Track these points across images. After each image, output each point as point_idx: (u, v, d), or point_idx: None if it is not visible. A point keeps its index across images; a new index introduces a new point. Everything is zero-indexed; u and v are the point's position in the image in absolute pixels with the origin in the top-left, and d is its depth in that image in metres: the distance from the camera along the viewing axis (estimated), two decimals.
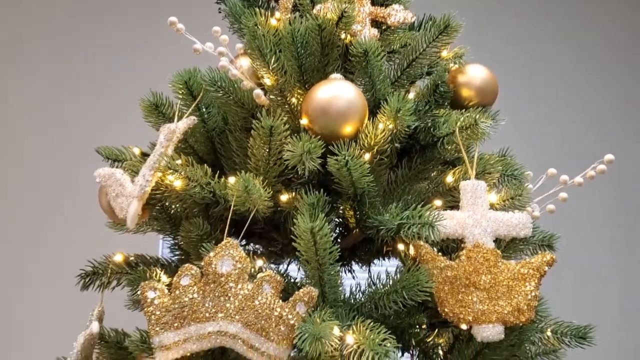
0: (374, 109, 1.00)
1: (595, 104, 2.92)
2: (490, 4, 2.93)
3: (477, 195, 0.94)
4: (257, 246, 1.17)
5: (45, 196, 2.57)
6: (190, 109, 1.01)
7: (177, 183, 0.94)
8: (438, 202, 0.98)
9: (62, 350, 1.13)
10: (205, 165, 0.97)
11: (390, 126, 0.96)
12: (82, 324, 1.03)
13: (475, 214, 0.92)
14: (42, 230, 2.54)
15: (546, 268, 0.91)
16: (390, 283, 0.89)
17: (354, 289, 0.95)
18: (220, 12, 1.20)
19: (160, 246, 2.31)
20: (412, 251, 0.96)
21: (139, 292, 0.87)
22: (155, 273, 0.96)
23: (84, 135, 2.56)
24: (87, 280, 1.12)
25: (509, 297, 0.89)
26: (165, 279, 0.98)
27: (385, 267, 0.99)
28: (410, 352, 1.03)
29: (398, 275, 0.90)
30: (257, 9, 1.03)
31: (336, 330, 0.79)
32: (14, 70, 2.69)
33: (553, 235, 1.14)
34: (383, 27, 1.14)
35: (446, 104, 1.10)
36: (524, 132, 2.63)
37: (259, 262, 0.94)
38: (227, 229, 0.89)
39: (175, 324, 0.84)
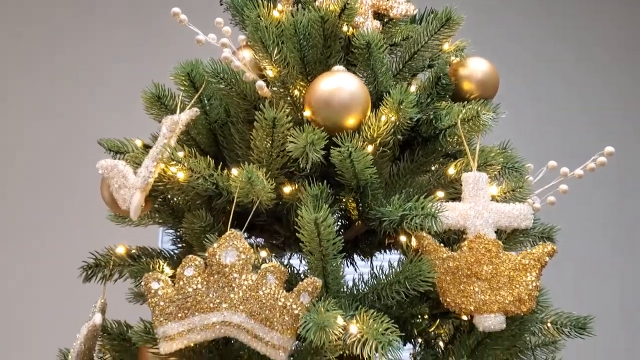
0: (376, 102, 1.00)
1: (595, 101, 2.93)
2: (491, 2, 2.93)
3: (479, 186, 0.94)
4: (258, 239, 1.17)
5: (45, 190, 2.57)
6: (193, 101, 1.01)
7: (180, 175, 0.94)
8: (440, 194, 0.99)
9: (65, 343, 1.14)
10: (208, 157, 0.97)
11: (393, 118, 0.96)
12: (83, 318, 1.03)
13: (477, 205, 0.93)
14: (42, 224, 2.53)
15: (547, 259, 0.91)
16: (393, 274, 0.90)
17: (357, 280, 0.95)
18: (222, 5, 1.20)
19: (160, 239, 2.32)
20: (414, 243, 0.97)
21: (142, 284, 0.87)
22: (158, 265, 0.96)
23: (84, 129, 2.56)
24: (89, 272, 1.12)
25: (510, 288, 0.90)
26: (168, 270, 0.98)
27: (388, 259, 0.99)
28: (412, 342, 1.04)
29: (401, 266, 0.90)
30: (259, 1, 1.03)
31: (340, 320, 0.79)
32: (13, 65, 2.68)
33: (553, 228, 1.15)
34: (385, 20, 1.15)
35: (448, 96, 1.10)
36: (524, 128, 2.64)
37: (263, 253, 0.94)
38: (230, 220, 0.90)
39: (180, 315, 0.85)
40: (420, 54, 1.10)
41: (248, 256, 0.86)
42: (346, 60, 1.08)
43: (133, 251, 1.13)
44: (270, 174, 0.96)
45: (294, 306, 0.83)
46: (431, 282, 0.88)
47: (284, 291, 0.85)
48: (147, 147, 1.07)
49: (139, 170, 0.94)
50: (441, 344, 1.07)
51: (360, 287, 0.94)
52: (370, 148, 0.96)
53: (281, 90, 1.02)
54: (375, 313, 0.83)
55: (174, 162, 0.93)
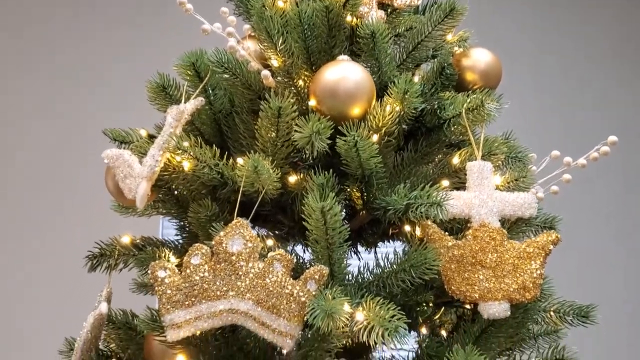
0: (380, 92, 1.01)
1: (599, 92, 2.94)
2: None
3: (484, 175, 0.95)
4: (262, 230, 1.18)
5: (45, 185, 2.57)
6: (198, 90, 1.02)
7: (186, 164, 0.95)
8: (445, 183, 0.99)
9: (71, 332, 1.14)
10: (214, 146, 0.97)
11: (397, 108, 0.97)
12: (84, 312, 1.04)
13: (482, 194, 0.94)
14: (43, 220, 2.54)
15: (551, 247, 0.92)
16: (398, 262, 0.90)
17: (362, 268, 0.96)
18: None
19: (161, 230, 2.33)
20: (418, 232, 0.98)
21: (149, 272, 0.87)
22: (164, 254, 0.97)
23: (84, 127, 2.56)
24: (94, 262, 1.12)
25: (514, 275, 0.91)
26: (173, 259, 0.98)
27: (394, 248, 1.00)
28: (417, 330, 1.05)
29: (406, 255, 0.91)
30: None
31: (347, 307, 0.80)
32: (13, 64, 2.68)
33: (555, 217, 1.16)
34: (389, 10, 1.15)
35: (451, 87, 1.11)
36: (527, 119, 2.65)
37: (270, 242, 0.95)
38: (236, 209, 0.90)
39: (187, 303, 0.85)
40: (424, 44, 1.10)
41: (255, 244, 0.87)
42: (350, 50, 1.08)
43: (137, 241, 1.13)
44: (276, 163, 0.97)
45: (301, 294, 0.84)
46: (436, 270, 0.88)
47: (291, 279, 0.85)
48: (151, 137, 1.08)
49: (144, 159, 0.94)
50: (443, 333, 1.08)
51: (365, 275, 0.95)
52: (375, 137, 0.96)
53: (286, 80, 1.02)
54: (381, 301, 0.83)
55: (180, 151, 0.93)
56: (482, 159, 0.98)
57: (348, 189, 1.04)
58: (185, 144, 0.94)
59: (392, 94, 0.96)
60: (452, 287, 0.91)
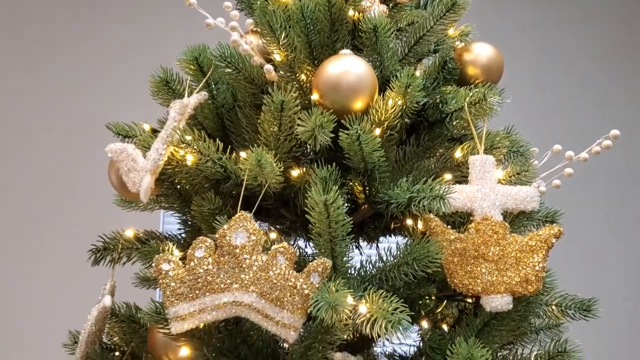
0: (382, 86, 1.01)
1: (600, 88, 2.94)
2: None
3: (486, 169, 0.95)
4: (264, 223, 1.18)
5: (45, 182, 2.57)
6: (201, 85, 1.02)
7: (189, 158, 0.95)
8: (448, 176, 0.99)
9: (74, 326, 1.15)
10: (217, 140, 0.97)
11: (400, 102, 0.97)
12: (90, 302, 1.05)
13: (484, 187, 0.94)
14: (46, 212, 2.54)
15: (554, 240, 0.93)
16: (401, 255, 0.91)
17: (364, 262, 0.96)
18: None
19: (162, 224, 2.33)
20: (420, 225, 0.98)
21: (153, 265, 0.88)
22: (168, 247, 0.97)
23: (83, 125, 2.56)
24: (98, 255, 1.13)
25: (517, 269, 0.91)
26: (177, 253, 0.99)
27: (396, 241, 1.00)
28: (419, 324, 1.05)
29: (408, 248, 0.91)
30: None
31: (350, 299, 0.80)
32: (15, 53, 2.68)
33: (557, 212, 1.16)
34: (391, 5, 1.15)
35: (453, 81, 1.11)
36: (529, 114, 2.65)
37: (273, 235, 0.95)
38: (240, 203, 0.90)
39: (191, 295, 0.86)
40: (426, 38, 1.10)
41: (258, 237, 0.87)
42: (353, 44, 1.08)
43: (140, 235, 1.13)
44: (278, 157, 0.97)
45: (304, 286, 0.84)
46: (439, 263, 0.89)
47: (294, 272, 0.86)
48: (155, 132, 1.08)
49: (148, 153, 0.95)
50: (445, 327, 1.08)
51: (367, 268, 0.95)
52: (377, 131, 0.96)
53: (288, 74, 1.02)
54: (384, 293, 0.84)
55: (184, 145, 0.94)
56: (484, 153, 0.98)
57: (350, 183, 1.05)
58: (189, 137, 0.95)
59: (394, 88, 0.97)
60: (455, 281, 0.92)
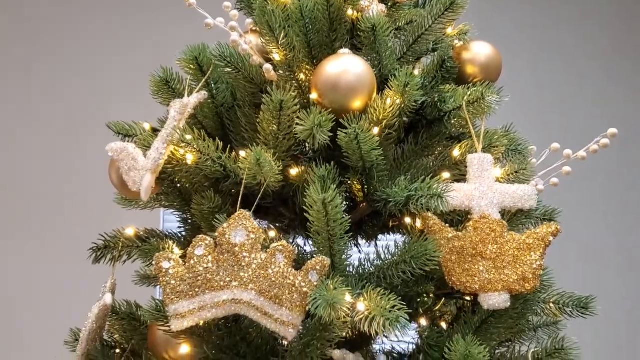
0: (381, 85, 1.02)
1: (599, 87, 2.95)
2: None
3: (484, 167, 0.96)
4: (264, 222, 1.19)
5: (48, 179, 2.58)
6: (201, 84, 1.03)
7: (189, 157, 0.96)
8: (446, 175, 1.00)
9: (75, 324, 1.16)
10: (217, 139, 0.98)
11: (398, 101, 0.98)
12: (90, 301, 1.05)
13: (482, 186, 0.95)
14: (48, 210, 2.55)
15: (551, 238, 0.93)
16: (399, 253, 0.91)
17: (362, 260, 0.97)
18: None
19: (162, 223, 2.34)
20: (419, 224, 0.99)
21: (153, 263, 0.88)
22: (168, 245, 0.98)
23: (81, 124, 2.57)
24: (98, 253, 1.14)
25: (514, 267, 0.92)
26: (177, 251, 1.00)
27: (394, 240, 1.01)
28: (417, 321, 1.06)
29: (407, 246, 0.92)
30: None
31: (348, 297, 0.81)
32: (14, 53, 2.69)
33: (555, 210, 1.17)
34: (389, 4, 1.15)
35: (452, 79, 1.11)
36: (527, 113, 2.66)
37: (272, 234, 0.96)
38: (239, 202, 0.91)
39: (191, 293, 0.86)
40: (424, 37, 1.10)
41: (257, 236, 0.88)
42: (351, 44, 1.09)
43: (141, 233, 1.14)
44: (277, 156, 0.98)
45: (303, 284, 0.85)
46: (437, 261, 0.89)
47: (293, 270, 0.86)
48: (155, 131, 1.09)
49: (148, 152, 0.95)
50: (444, 324, 1.09)
51: (366, 266, 0.96)
52: (376, 130, 0.97)
53: (287, 73, 1.03)
54: (382, 291, 0.84)
55: (184, 145, 0.94)
56: (482, 152, 0.98)
57: (349, 182, 1.05)
58: (189, 137, 0.95)
59: (392, 87, 0.97)
60: (453, 279, 0.92)
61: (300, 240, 1.13)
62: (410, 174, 1.06)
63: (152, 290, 1.13)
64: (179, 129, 0.95)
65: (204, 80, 1.03)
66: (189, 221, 1.14)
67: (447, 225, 0.95)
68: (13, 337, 2.41)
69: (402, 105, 0.98)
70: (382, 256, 0.94)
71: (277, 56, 1.02)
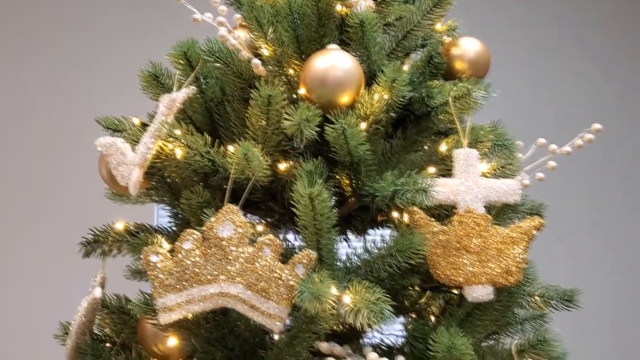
0: (369, 80, 1.02)
1: (588, 82, 2.96)
2: None
3: (469, 162, 0.97)
4: (254, 217, 1.20)
5: (39, 175, 2.58)
6: (189, 79, 1.03)
7: (178, 151, 0.96)
8: (432, 170, 1.01)
9: (65, 318, 1.16)
10: (205, 134, 0.99)
11: (386, 96, 0.98)
12: (80, 295, 1.06)
13: (467, 180, 0.96)
14: (40, 205, 2.55)
15: (534, 232, 0.94)
16: (386, 247, 0.92)
17: (350, 254, 0.98)
18: None
19: (156, 218, 2.35)
20: (406, 218, 1.00)
21: (141, 257, 0.89)
22: (156, 239, 0.99)
23: (76, 122, 2.57)
24: (88, 248, 1.14)
25: (498, 260, 0.93)
26: (166, 245, 1.00)
27: (380, 235, 1.02)
28: (404, 315, 1.07)
29: (393, 240, 0.93)
30: None
31: (334, 290, 0.82)
32: (2, 48, 2.68)
33: (542, 204, 1.18)
34: (378, 0, 1.16)
35: (440, 75, 1.12)
36: (517, 108, 2.67)
37: (260, 228, 0.97)
38: (227, 196, 0.92)
39: (178, 286, 0.87)
40: (413, 33, 1.11)
41: (244, 230, 0.89)
42: (340, 39, 1.09)
43: (131, 228, 1.15)
44: (266, 151, 0.98)
45: (290, 277, 0.86)
46: (422, 254, 0.91)
47: (280, 263, 0.87)
48: (144, 126, 1.09)
49: (137, 147, 0.96)
50: (431, 317, 1.10)
51: (353, 260, 0.97)
52: (363, 125, 0.98)
53: (276, 68, 1.04)
54: (367, 284, 0.85)
55: (172, 139, 0.95)
56: (468, 147, 0.99)
57: (337, 176, 1.06)
58: (177, 131, 0.96)
59: (380, 82, 0.98)
60: (438, 272, 0.94)
61: (291, 236, 1.13)
62: (398, 169, 1.07)
63: (142, 284, 1.14)
64: (167, 123, 0.95)
65: (192, 75, 1.03)
66: (179, 216, 1.15)
67: (433, 219, 0.96)
68: (2, 330, 2.42)
69: (390, 101, 0.99)
70: (369, 250, 0.95)
71: (265, 51, 1.03)
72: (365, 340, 1.14)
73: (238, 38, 1.03)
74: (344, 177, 1.06)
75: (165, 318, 0.87)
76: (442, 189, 0.94)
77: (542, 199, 1.19)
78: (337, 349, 0.96)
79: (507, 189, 0.97)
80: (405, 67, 1.14)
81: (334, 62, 0.96)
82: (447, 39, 1.16)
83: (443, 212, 1.04)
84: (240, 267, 0.87)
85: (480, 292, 0.93)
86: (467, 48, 1.14)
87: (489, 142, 1.05)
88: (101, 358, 1.05)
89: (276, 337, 0.94)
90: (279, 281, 0.86)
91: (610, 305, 2.75)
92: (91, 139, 1.01)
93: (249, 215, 1.18)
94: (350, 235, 1.20)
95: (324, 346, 0.95)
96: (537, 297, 1.07)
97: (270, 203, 1.12)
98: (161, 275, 0.87)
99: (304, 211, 0.88)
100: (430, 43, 1.15)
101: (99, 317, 1.09)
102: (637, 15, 3.05)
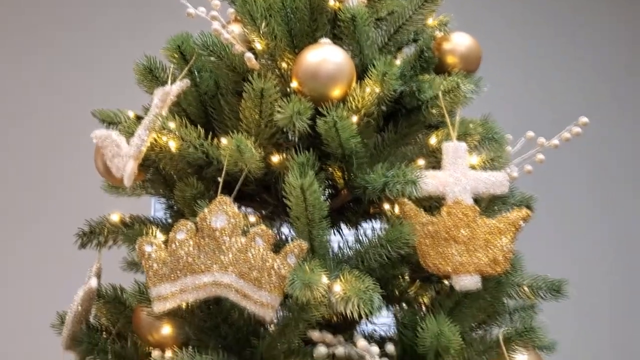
0: (361, 74, 1.04)
1: (579, 76, 2.98)
2: None
3: (458, 155, 0.99)
4: (248, 209, 1.21)
5: (36, 168, 2.59)
6: (183, 73, 1.04)
7: (172, 144, 0.98)
8: (421, 162, 1.03)
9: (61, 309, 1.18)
10: (199, 126, 1.00)
11: (377, 90, 1.00)
12: (76, 287, 1.07)
13: (456, 172, 0.98)
14: (37, 199, 2.56)
15: (521, 223, 0.96)
16: (377, 237, 0.94)
17: (341, 245, 1.00)
18: None
19: (153, 211, 2.36)
20: (397, 210, 1.02)
21: (136, 247, 0.91)
22: (151, 230, 1.00)
23: (72, 120, 2.58)
24: (84, 239, 1.16)
25: (486, 250, 0.95)
26: (160, 236, 1.02)
27: (372, 227, 1.04)
28: (394, 305, 1.09)
29: (384, 230, 0.95)
30: None
31: (324, 279, 0.84)
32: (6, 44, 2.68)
33: (531, 197, 1.20)
34: None
35: (431, 69, 1.14)
36: (508, 102, 2.69)
37: (252, 218, 0.98)
38: (220, 187, 0.93)
39: (172, 276, 0.89)
40: (405, 27, 1.13)
41: (237, 220, 0.91)
42: (332, 33, 1.10)
43: (126, 219, 1.16)
44: (259, 143, 1.00)
45: (281, 267, 0.88)
46: (412, 244, 0.93)
47: (272, 253, 0.89)
48: (139, 118, 1.11)
49: (132, 139, 0.98)
50: (423, 307, 1.12)
51: (344, 250, 0.99)
52: (355, 118, 0.99)
53: (269, 62, 1.05)
54: (358, 273, 0.87)
55: (166, 132, 0.96)
56: (458, 140, 1.01)
57: (330, 169, 1.08)
58: (171, 124, 0.97)
59: (371, 76, 1.00)
60: (427, 261, 0.96)
61: (285, 226, 1.15)
62: (390, 161, 1.08)
63: (138, 276, 1.15)
64: (160, 116, 0.97)
65: (186, 68, 1.05)
66: (174, 207, 1.17)
67: (423, 210, 0.98)
68: (1, 330, 2.43)
69: (381, 94, 1.01)
70: (360, 240, 0.97)
71: (258, 45, 1.04)
72: (359, 330, 1.16)
73: (232, 32, 1.04)
74: (336, 170, 1.08)
75: (159, 307, 0.89)
76: (431, 181, 0.96)
77: (542, 198, 1.21)
78: (328, 337, 0.98)
79: (495, 181, 0.99)
80: (398, 61, 1.15)
81: (326, 56, 0.98)
82: (438, 34, 1.18)
83: (433, 204, 1.06)
84: (233, 256, 0.89)
85: (468, 281, 0.95)
86: (458, 42, 1.16)
87: (478, 136, 1.07)
88: (97, 347, 1.07)
89: (269, 325, 0.96)
90: (271, 270, 0.88)
91: (609, 305, 2.78)
92: (91, 139, 1.02)
93: (243, 207, 1.20)
94: (344, 228, 1.22)
95: (315, 334, 0.97)
96: (526, 287, 1.08)
97: (264, 195, 1.14)
98: (155, 265, 0.89)
99: (295, 202, 0.90)
100: (423, 37, 1.16)
101: (96, 307, 1.11)
102: (630, 11, 3.07)
